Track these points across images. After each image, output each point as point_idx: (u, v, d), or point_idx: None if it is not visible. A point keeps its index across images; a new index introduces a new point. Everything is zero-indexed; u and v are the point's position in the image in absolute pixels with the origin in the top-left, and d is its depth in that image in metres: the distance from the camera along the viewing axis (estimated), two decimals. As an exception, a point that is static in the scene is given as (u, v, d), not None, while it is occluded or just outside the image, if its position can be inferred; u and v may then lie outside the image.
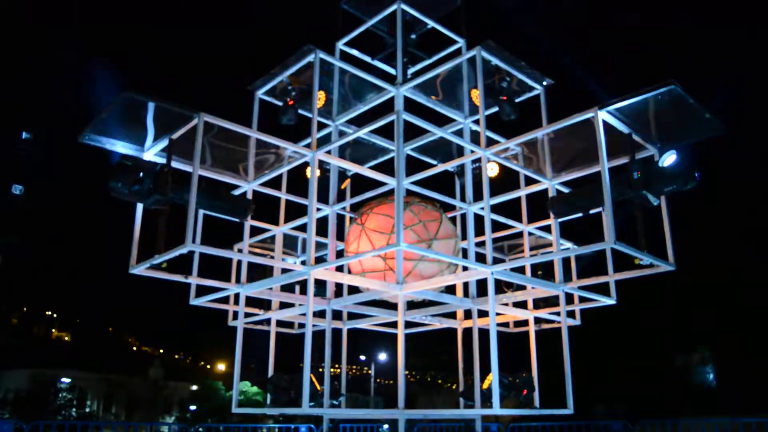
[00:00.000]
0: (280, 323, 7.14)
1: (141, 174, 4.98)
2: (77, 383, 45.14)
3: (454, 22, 7.23)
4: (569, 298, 6.67)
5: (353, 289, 6.78)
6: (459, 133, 6.89)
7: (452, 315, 7.09)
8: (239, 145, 5.79)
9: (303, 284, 6.57)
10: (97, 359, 53.43)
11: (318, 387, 5.86)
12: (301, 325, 7.42)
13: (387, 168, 6.82)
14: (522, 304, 6.72)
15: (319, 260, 6.88)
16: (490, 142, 5.88)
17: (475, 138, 6.70)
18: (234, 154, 5.95)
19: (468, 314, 6.90)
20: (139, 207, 5.47)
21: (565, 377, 5.81)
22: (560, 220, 5.98)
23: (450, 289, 6.63)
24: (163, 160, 5.36)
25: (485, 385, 5.59)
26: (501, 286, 6.35)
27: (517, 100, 6.37)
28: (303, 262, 7.07)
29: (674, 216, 5.37)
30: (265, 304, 6.95)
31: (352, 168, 6.66)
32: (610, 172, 4.85)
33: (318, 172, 5.85)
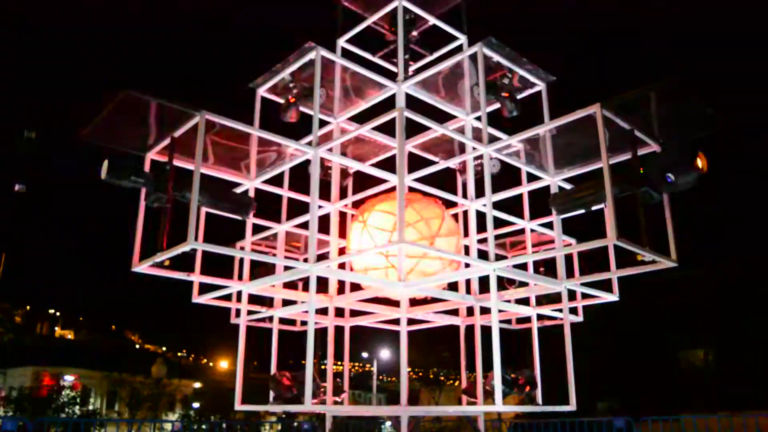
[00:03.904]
0: (282, 321, 7.15)
1: (143, 173, 5.01)
2: (80, 381, 45.30)
3: (455, 19, 7.22)
4: (571, 295, 6.68)
5: (355, 287, 6.79)
6: (461, 130, 6.89)
7: (454, 312, 7.10)
8: (241, 142, 5.80)
9: (305, 281, 6.58)
10: (100, 357, 53.64)
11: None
12: (304, 323, 7.43)
13: (388, 165, 6.82)
14: (524, 301, 6.73)
15: (322, 257, 6.89)
16: (492, 139, 5.88)
17: (477, 135, 6.69)
18: (236, 151, 5.96)
19: (470, 311, 6.91)
20: (142, 205, 5.48)
21: (567, 374, 5.82)
22: (562, 216, 5.98)
23: (452, 286, 6.64)
24: (164, 159, 5.37)
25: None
26: (503, 283, 6.36)
27: (519, 97, 6.36)
28: (305, 260, 7.08)
29: (677, 212, 5.37)
30: (267, 302, 6.96)
31: (354, 165, 6.66)
32: (613, 169, 4.84)
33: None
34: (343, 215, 7.23)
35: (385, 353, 41.80)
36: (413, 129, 6.55)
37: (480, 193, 6.52)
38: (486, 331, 5.63)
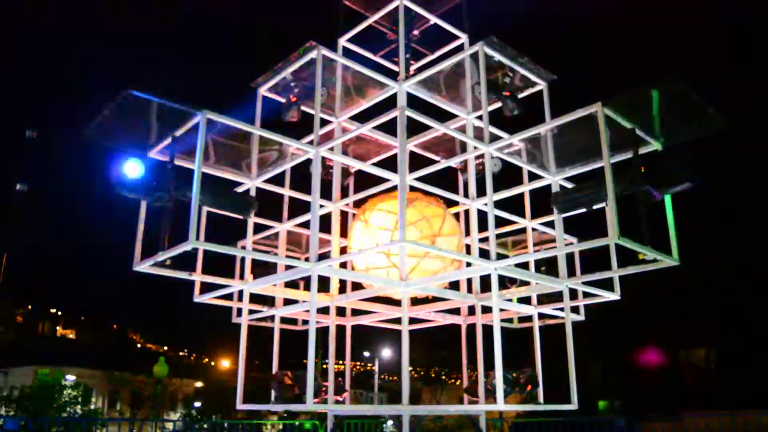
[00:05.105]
0: (284, 320, 7.15)
1: (144, 173, 5.01)
2: (82, 381, 45.33)
3: (456, 18, 7.22)
4: (573, 294, 6.68)
5: (357, 286, 6.79)
6: (462, 129, 6.89)
7: (456, 311, 7.09)
8: (242, 142, 5.80)
9: (307, 281, 6.58)
10: (102, 357, 53.70)
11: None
12: (305, 322, 7.43)
13: (390, 164, 6.82)
14: (526, 300, 6.72)
15: (323, 257, 6.89)
16: (493, 138, 5.88)
17: (478, 134, 6.69)
18: (237, 151, 5.96)
19: (472, 310, 6.91)
20: (143, 205, 5.49)
21: (568, 373, 5.81)
22: (563, 215, 5.97)
23: (454, 285, 6.63)
24: (166, 158, 5.38)
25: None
26: (504, 282, 6.35)
27: (520, 96, 6.35)
28: (306, 259, 7.08)
29: (678, 211, 5.36)
30: (269, 301, 6.97)
31: (355, 164, 6.66)
32: (614, 168, 4.84)
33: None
34: (344, 214, 7.23)
35: (386, 352, 41.82)
36: (414, 128, 6.54)
37: (481, 192, 6.52)
38: (487, 330, 5.63)
